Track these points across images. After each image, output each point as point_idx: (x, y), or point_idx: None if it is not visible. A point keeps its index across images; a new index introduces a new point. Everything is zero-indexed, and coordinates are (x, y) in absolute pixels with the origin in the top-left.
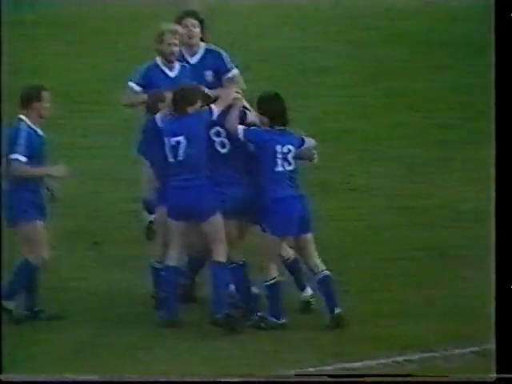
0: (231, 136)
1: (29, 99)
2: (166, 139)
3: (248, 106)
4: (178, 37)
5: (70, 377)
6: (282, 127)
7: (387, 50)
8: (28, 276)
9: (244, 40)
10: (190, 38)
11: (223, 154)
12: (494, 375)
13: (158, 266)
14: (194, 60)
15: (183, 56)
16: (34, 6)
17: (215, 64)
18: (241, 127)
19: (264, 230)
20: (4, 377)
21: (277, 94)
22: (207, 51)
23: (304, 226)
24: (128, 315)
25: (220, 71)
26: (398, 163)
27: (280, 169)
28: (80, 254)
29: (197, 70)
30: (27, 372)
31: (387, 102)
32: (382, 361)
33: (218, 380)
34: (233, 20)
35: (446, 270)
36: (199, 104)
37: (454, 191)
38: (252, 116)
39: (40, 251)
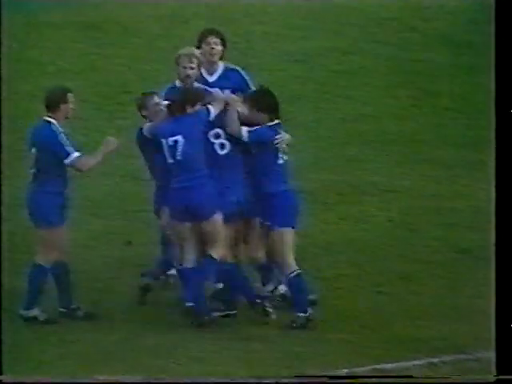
0: (231, 137)
1: (56, 101)
2: (163, 140)
3: (242, 107)
4: (194, 60)
5: (76, 378)
6: (277, 120)
7: (426, 51)
8: (42, 280)
9: (280, 41)
10: (211, 55)
11: (223, 156)
12: (493, 376)
13: (181, 267)
14: (212, 79)
15: (202, 75)
16: (67, 6)
17: (234, 82)
18: (245, 129)
19: (271, 227)
20: (5, 377)
21: (268, 89)
22: (226, 69)
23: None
24: (164, 316)
25: (240, 90)
26: (435, 165)
27: (281, 161)
28: (113, 254)
29: (215, 88)
30: (58, 373)
31: (425, 103)
32: (416, 362)
33: (220, 381)
34: (268, 21)
35: (482, 272)
36: (199, 106)
37: (490, 193)
38: (246, 114)
39: (61, 254)
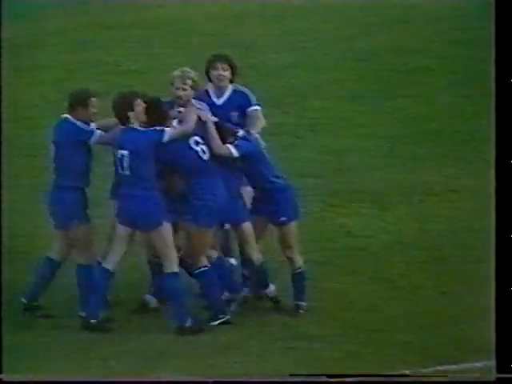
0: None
1: (74, 104)
2: (114, 150)
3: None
4: (187, 82)
5: (72, 377)
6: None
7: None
8: (51, 274)
9: (335, 40)
10: (218, 80)
11: (207, 161)
12: (494, 375)
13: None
14: (220, 101)
15: (210, 97)
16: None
17: (240, 104)
18: (230, 146)
19: (280, 222)
20: (5, 376)
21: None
22: (234, 92)
23: None
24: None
25: (244, 108)
26: (495, 164)
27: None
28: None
29: (223, 111)
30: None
31: (485, 103)
32: (477, 364)
33: (226, 380)
34: (324, 20)
35: None
36: (140, 108)
37: None
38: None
39: (92, 252)
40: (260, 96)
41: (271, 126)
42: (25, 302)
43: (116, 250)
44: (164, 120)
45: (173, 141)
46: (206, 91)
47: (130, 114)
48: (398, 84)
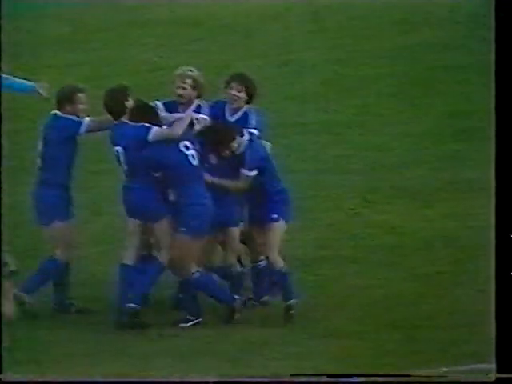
0: (200, 148)
1: (62, 100)
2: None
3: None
4: (187, 81)
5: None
6: None
7: None
8: (53, 273)
9: (377, 36)
10: (232, 100)
11: (197, 167)
12: (493, 375)
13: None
14: (232, 119)
15: (224, 113)
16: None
17: (251, 123)
18: (245, 172)
19: (271, 219)
20: (4, 376)
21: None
22: (246, 112)
23: None
24: (254, 312)
25: (259, 130)
26: None
27: None
28: None
29: None
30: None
31: None
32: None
33: (227, 380)
34: (362, 17)
35: None
36: (131, 102)
37: None
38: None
39: (70, 250)
40: (298, 93)
41: (310, 123)
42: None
43: (130, 244)
44: (153, 121)
45: (162, 142)
46: (224, 106)
47: (122, 108)
48: (437, 81)
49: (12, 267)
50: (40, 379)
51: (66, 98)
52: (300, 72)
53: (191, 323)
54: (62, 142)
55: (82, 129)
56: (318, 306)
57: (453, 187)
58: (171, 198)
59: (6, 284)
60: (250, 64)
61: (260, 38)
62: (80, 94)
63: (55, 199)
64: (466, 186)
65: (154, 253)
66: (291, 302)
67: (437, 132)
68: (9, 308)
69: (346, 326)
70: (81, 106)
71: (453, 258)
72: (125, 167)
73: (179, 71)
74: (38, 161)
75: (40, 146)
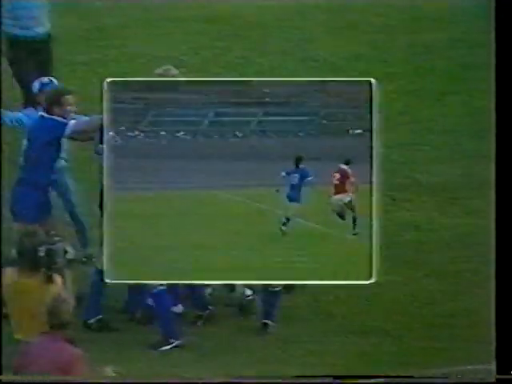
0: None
1: (49, 103)
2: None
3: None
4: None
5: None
6: None
7: None
8: None
9: (403, 32)
10: None
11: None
12: (494, 376)
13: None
14: None
15: None
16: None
17: None
18: None
19: None
20: (4, 377)
21: None
22: None
23: None
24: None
25: None
26: None
27: None
28: None
29: None
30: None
31: None
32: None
33: (230, 381)
34: (387, 14)
35: None
36: (69, 108)
37: None
38: None
39: None
40: None
41: None
42: None
43: None
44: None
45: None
46: None
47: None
48: (463, 78)
49: (70, 255)
50: (40, 380)
51: (53, 101)
52: (325, 68)
53: (172, 346)
54: (47, 143)
55: (67, 130)
56: (340, 303)
57: (479, 184)
58: None
59: (67, 272)
60: (272, 60)
61: (286, 34)
62: (67, 96)
63: (33, 199)
64: (491, 184)
65: None
66: (269, 322)
67: (462, 129)
68: (70, 297)
69: (371, 323)
70: (68, 108)
71: (478, 256)
72: (24, 160)
73: (160, 70)
74: (21, 159)
75: (24, 145)
